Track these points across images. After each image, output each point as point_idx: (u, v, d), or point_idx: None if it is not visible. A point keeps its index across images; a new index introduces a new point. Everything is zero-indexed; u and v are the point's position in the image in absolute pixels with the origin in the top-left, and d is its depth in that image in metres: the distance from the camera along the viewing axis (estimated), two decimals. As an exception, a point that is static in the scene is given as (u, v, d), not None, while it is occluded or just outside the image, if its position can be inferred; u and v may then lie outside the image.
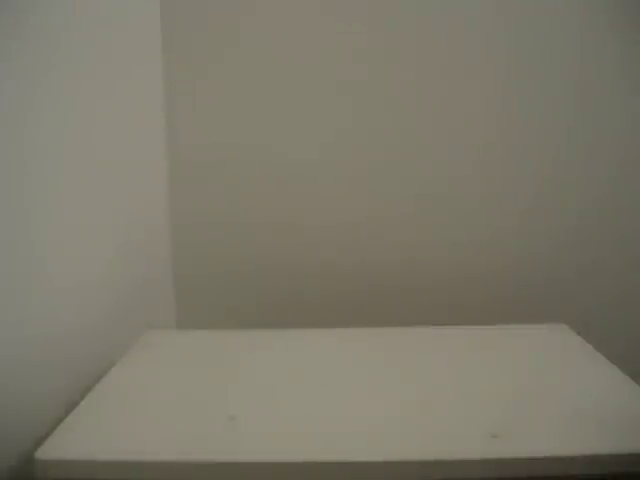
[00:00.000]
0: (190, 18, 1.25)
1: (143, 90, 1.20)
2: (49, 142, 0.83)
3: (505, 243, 1.31)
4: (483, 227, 1.31)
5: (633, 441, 0.71)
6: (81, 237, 0.92)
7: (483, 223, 1.31)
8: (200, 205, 1.31)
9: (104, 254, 1.01)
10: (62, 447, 0.71)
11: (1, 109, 0.72)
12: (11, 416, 0.73)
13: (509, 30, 1.25)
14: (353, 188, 1.30)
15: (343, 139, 1.29)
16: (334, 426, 0.75)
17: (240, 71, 1.27)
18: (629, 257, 1.31)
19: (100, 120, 0.99)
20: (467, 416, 0.77)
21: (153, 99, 1.25)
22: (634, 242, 1.31)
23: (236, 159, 1.30)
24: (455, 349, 0.99)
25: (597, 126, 1.27)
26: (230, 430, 0.74)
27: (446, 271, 1.31)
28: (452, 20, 1.24)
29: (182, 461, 0.69)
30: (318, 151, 1.29)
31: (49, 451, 0.70)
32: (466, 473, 0.69)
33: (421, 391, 0.84)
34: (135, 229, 1.14)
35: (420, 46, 1.25)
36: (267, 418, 0.77)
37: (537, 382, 0.86)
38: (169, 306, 1.33)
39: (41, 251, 0.80)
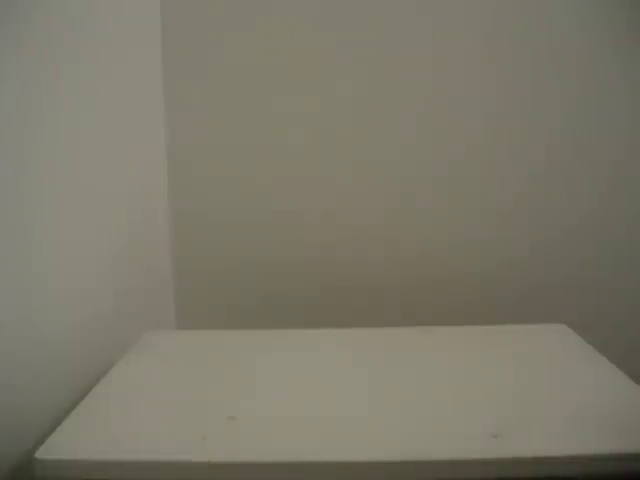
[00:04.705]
0: (190, 18, 1.25)
1: (143, 90, 1.20)
2: (49, 142, 0.83)
3: (505, 243, 1.31)
4: (483, 227, 1.31)
5: (633, 441, 0.71)
6: (81, 237, 0.92)
7: (483, 223, 1.31)
8: (200, 205, 1.31)
9: (104, 254, 1.01)
10: (62, 447, 0.71)
11: (2, 110, 0.72)
12: (11, 416, 0.73)
13: (506, 30, 1.25)
14: (353, 188, 1.30)
15: (343, 139, 1.29)
16: (334, 426, 0.75)
17: (240, 71, 1.27)
18: (629, 257, 1.31)
19: (100, 120, 0.99)
20: (467, 416, 0.77)
21: (153, 99, 1.25)
22: (634, 242, 1.31)
23: (236, 159, 1.30)
24: (455, 349, 0.99)
25: (597, 126, 1.27)
26: (230, 430, 0.74)
27: (446, 271, 1.31)
28: (450, 19, 1.24)
29: (182, 461, 0.69)
30: (318, 151, 1.29)
31: (49, 451, 0.70)
32: (466, 473, 0.69)
33: (421, 391, 0.84)
34: (135, 229, 1.14)
35: (418, 46, 1.25)
36: (267, 418, 0.77)
37: (537, 382, 0.86)
38: (169, 306, 1.33)
39: (41, 251, 0.80)
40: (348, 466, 0.69)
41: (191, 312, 1.33)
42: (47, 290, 0.82)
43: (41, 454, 0.69)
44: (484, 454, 0.69)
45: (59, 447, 0.71)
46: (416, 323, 1.11)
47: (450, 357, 0.96)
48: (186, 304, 1.34)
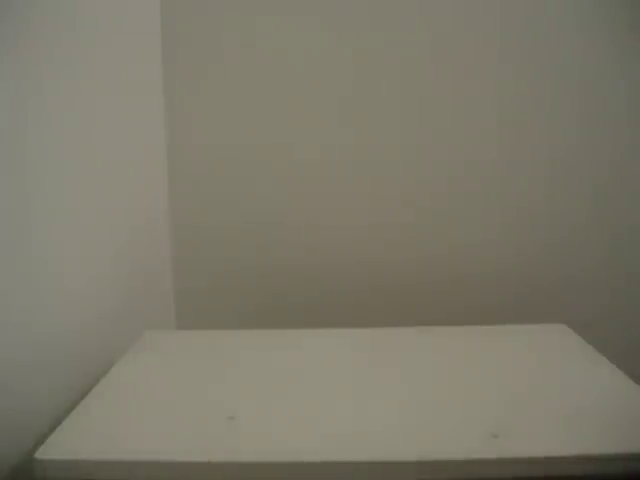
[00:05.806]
0: (190, 18, 1.25)
1: (143, 90, 1.20)
2: (49, 142, 0.83)
3: (505, 243, 1.31)
4: (483, 227, 1.31)
5: (633, 441, 0.71)
6: (81, 237, 0.92)
7: (483, 223, 1.30)
8: (200, 205, 1.31)
9: (104, 254, 1.01)
10: (62, 447, 0.71)
11: (1, 110, 0.72)
12: (11, 416, 0.73)
13: (507, 30, 1.25)
14: (353, 189, 1.30)
15: (344, 140, 1.29)
16: (334, 426, 0.75)
17: (240, 71, 1.27)
18: (629, 257, 1.31)
19: (100, 120, 0.99)
20: (467, 416, 0.77)
21: (153, 99, 1.25)
22: (635, 242, 1.31)
23: (236, 159, 1.30)
24: (455, 349, 0.99)
25: (597, 126, 1.27)
26: (230, 430, 0.74)
27: (446, 271, 1.31)
28: (452, 21, 1.24)
29: (182, 461, 0.69)
30: (319, 151, 1.29)
31: (49, 451, 0.70)
32: (466, 473, 0.69)
33: (421, 391, 0.84)
34: (135, 229, 1.14)
35: (421, 50, 1.25)
36: (267, 418, 0.77)
37: (537, 382, 0.86)
38: (169, 306, 1.33)
39: (41, 251, 0.80)
40: (348, 466, 0.69)
41: (191, 312, 1.33)
42: (47, 291, 0.82)
43: (41, 454, 0.69)
44: (484, 454, 0.69)
45: (59, 447, 0.71)
46: (416, 323, 1.11)
47: (450, 357, 0.96)
48: (186, 304, 1.34)
